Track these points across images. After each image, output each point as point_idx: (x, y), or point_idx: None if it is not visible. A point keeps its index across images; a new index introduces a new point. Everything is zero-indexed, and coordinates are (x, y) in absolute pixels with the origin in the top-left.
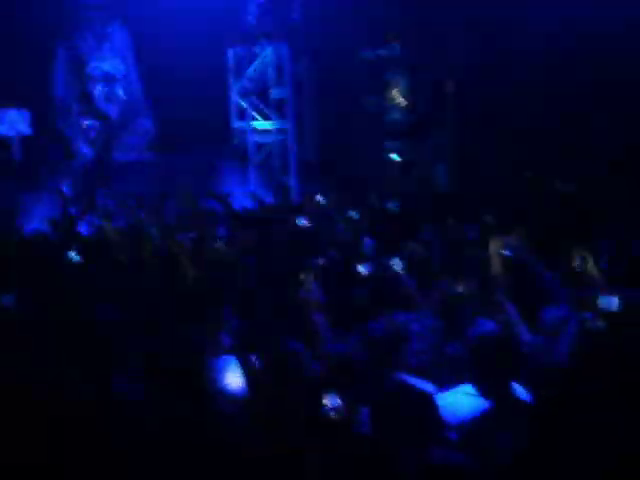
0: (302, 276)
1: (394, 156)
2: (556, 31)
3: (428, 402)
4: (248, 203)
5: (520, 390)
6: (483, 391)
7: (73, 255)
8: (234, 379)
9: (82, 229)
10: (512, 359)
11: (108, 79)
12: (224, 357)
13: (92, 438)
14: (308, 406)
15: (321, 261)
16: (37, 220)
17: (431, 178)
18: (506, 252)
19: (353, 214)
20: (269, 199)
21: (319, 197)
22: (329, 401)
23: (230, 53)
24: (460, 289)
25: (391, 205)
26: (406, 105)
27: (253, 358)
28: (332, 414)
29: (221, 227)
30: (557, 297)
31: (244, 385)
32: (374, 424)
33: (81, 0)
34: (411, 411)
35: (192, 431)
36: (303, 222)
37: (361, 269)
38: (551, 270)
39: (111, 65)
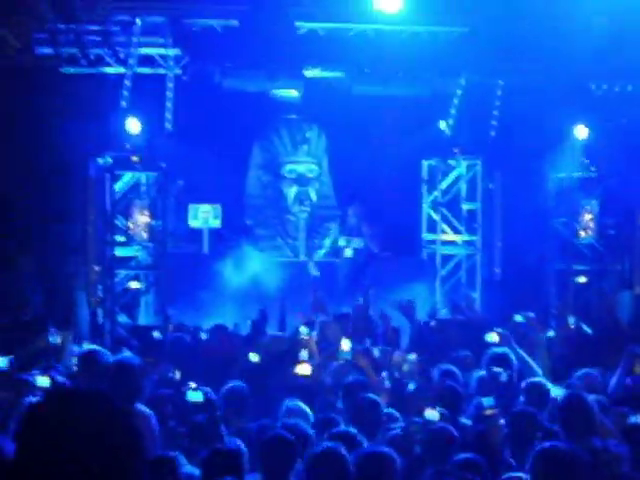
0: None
1: (580, 279)
2: None
3: None
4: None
5: None
6: None
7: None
8: None
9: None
10: None
11: (302, 182)
12: None
13: None
14: None
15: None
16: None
17: (616, 304)
18: None
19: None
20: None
21: (518, 317)
22: None
23: (424, 164)
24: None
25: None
26: (596, 229)
27: None
28: None
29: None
30: None
31: None
32: None
33: (280, 101)
34: None
35: None
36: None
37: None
38: None
39: (306, 168)
